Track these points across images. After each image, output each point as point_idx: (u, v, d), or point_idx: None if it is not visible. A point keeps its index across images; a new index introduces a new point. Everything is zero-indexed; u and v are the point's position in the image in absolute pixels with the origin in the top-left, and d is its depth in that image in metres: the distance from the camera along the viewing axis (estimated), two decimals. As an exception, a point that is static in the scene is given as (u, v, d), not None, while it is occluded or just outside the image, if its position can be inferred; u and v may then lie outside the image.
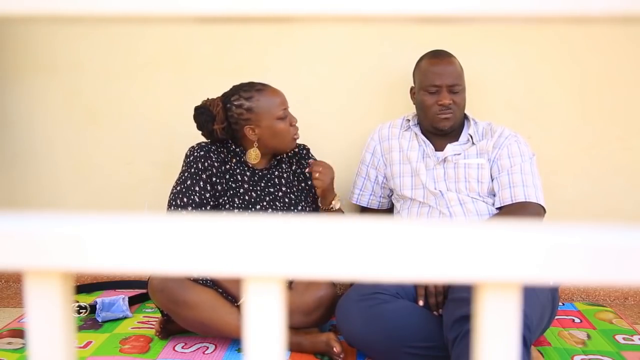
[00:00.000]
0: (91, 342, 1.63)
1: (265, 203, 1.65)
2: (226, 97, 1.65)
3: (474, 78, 1.98)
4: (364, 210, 1.89)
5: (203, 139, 1.71)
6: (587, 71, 1.97)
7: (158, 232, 0.34)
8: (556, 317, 1.81)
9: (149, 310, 1.89)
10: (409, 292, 1.53)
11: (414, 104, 1.74)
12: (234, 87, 1.67)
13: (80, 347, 1.59)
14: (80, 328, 1.73)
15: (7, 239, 0.34)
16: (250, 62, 2.02)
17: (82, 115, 2.13)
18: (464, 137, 1.69)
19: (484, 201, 1.62)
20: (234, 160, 1.67)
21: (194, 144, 1.68)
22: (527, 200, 1.57)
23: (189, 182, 1.61)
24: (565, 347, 1.59)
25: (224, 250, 0.34)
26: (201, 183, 1.61)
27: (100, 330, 1.72)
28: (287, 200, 1.69)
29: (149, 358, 1.53)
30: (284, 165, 1.74)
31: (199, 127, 1.66)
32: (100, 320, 1.79)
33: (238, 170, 1.67)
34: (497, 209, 1.63)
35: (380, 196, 1.84)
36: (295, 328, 1.57)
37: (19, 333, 1.71)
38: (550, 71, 1.98)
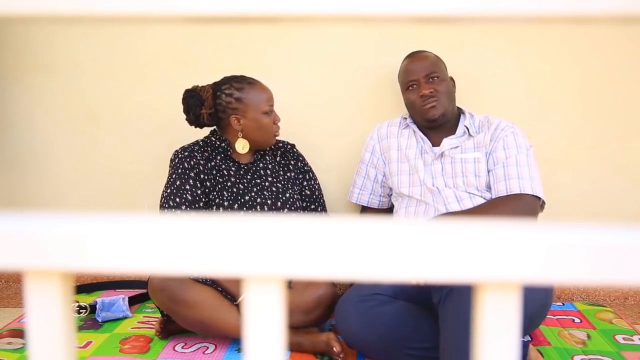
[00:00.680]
0: (91, 342, 1.63)
1: (253, 193, 1.68)
2: (217, 85, 1.71)
3: (473, 78, 1.98)
4: (364, 209, 1.90)
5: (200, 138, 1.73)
6: (587, 71, 1.97)
7: (158, 232, 0.34)
8: (556, 317, 1.82)
9: (149, 310, 1.89)
10: (408, 293, 1.53)
11: (406, 107, 1.78)
12: (226, 77, 1.73)
13: (80, 347, 1.59)
14: (80, 328, 1.73)
15: (7, 239, 0.34)
16: (250, 62, 2.03)
17: (82, 115, 2.13)
18: (460, 129, 1.69)
19: (481, 196, 1.62)
20: (219, 157, 1.72)
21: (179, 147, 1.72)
22: (522, 192, 1.56)
23: (178, 183, 1.63)
24: (565, 347, 1.59)
25: (224, 250, 0.34)
26: (191, 181, 1.64)
27: (100, 330, 1.72)
28: (274, 189, 1.72)
29: (149, 358, 1.53)
30: (268, 158, 1.79)
31: (186, 111, 1.72)
32: (100, 320, 1.79)
33: (224, 166, 1.71)
34: None
35: (381, 195, 1.84)
36: (295, 327, 1.57)
37: (19, 333, 1.71)
38: (550, 71, 1.98)
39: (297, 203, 1.74)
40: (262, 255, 0.34)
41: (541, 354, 1.53)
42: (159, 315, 1.68)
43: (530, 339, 1.64)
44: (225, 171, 1.70)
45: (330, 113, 2.06)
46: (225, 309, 1.53)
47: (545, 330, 1.70)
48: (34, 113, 2.15)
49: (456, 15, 0.34)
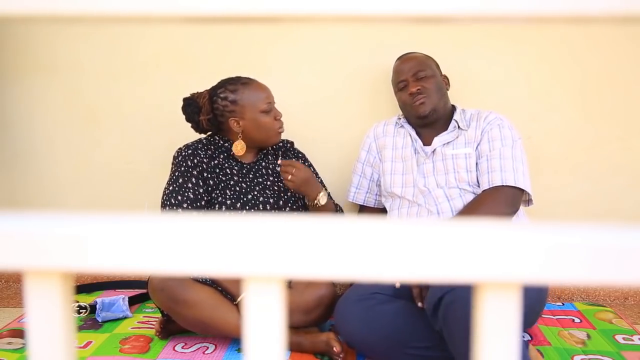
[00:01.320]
0: (91, 342, 1.63)
1: (255, 192, 1.68)
2: (213, 90, 1.71)
3: (473, 78, 1.98)
4: (361, 208, 1.90)
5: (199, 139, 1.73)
6: (587, 71, 1.97)
7: (158, 232, 0.34)
8: (556, 317, 1.82)
9: (149, 310, 1.89)
10: (407, 293, 1.53)
11: (399, 107, 1.80)
12: (221, 80, 1.73)
13: (80, 347, 1.59)
14: (80, 328, 1.73)
15: (7, 239, 0.34)
16: (250, 62, 2.03)
17: (82, 115, 2.13)
18: (451, 125, 1.69)
19: (472, 192, 1.61)
20: (222, 156, 1.72)
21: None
22: (504, 184, 1.54)
23: (180, 181, 1.63)
24: (565, 347, 1.59)
25: (224, 250, 0.34)
26: (193, 179, 1.64)
27: (100, 330, 1.72)
28: (276, 188, 1.72)
29: (149, 358, 1.53)
30: (270, 157, 1.80)
31: (187, 119, 1.73)
32: (100, 320, 1.79)
33: (227, 165, 1.71)
34: None
35: (377, 194, 1.85)
36: (295, 327, 1.57)
37: (19, 333, 1.71)
38: (550, 71, 1.98)
39: (299, 202, 1.74)
40: (262, 255, 0.34)
41: (541, 353, 1.53)
42: (159, 315, 1.68)
43: (530, 339, 1.64)
44: (228, 170, 1.70)
45: (328, 112, 2.06)
46: (225, 309, 1.53)
47: (545, 330, 1.70)
48: (34, 113, 2.15)
49: (456, 15, 0.34)
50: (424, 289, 1.47)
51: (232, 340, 1.62)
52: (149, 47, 2.08)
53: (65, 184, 2.17)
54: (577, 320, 1.80)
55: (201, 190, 1.64)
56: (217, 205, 1.64)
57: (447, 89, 1.77)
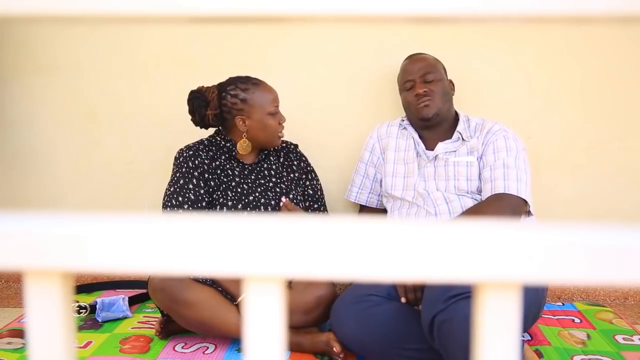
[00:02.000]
0: (91, 342, 1.63)
1: (257, 194, 1.68)
2: (222, 86, 1.71)
3: (473, 78, 1.98)
4: (362, 208, 1.90)
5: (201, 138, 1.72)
6: (587, 71, 1.97)
7: (158, 232, 0.34)
8: (556, 317, 1.82)
9: (149, 310, 1.89)
10: None
11: (403, 107, 1.79)
12: (231, 78, 1.72)
13: (80, 347, 1.59)
14: (80, 328, 1.73)
15: (7, 239, 0.34)
16: (250, 62, 2.03)
17: (82, 115, 2.13)
18: (455, 135, 1.69)
19: (471, 198, 1.62)
20: (223, 157, 1.72)
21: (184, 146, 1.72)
22: (506, 192, 1.55)
23: (182, 182, 1.63)
24: (565, 347, 1.59)
25: (224, 250, 0.34)
26: (194, 180, 1.64)
27: (100, 330, 1.72)
28: (278, 190, 1.72)
29: (149, 358, 1.53)
30: (272, 158, 1.79)
31: (191, 112, 1.71)
32: (100, 320, 1.79)
33: (228, 166, 1.71)
34: None
35: (379, 194, 1.85)
36: (295, 327, 1.57)
37: (19, 333, 1.71)
38: (550, 71, 1.98)
39: (300, 204, 1.74)
40: (262, 255, 0.34)
41: (541, 353, 1.53)
42: (159, 315, 1.68)
43: (530, 339, 1.64)
44: (229, 171, 1.70)
45: (330, 113, 2.06)
46: (225, 309, 1.53)
47: (545, 330, 1.70)
48: (34, 113, 2.14)
49: (456, 15, 0.34)
50: (417, 288, 1.48)
51: (232, 340, 1.62)
52: (149, 47, 2.08)
53: (65, 184, 2.17)
54: (577, 320, 1.80)
55: (202, 192, 1.63)
56: (218, 207, 1.64)
57: (452, 94, 1.76)
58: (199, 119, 1.70)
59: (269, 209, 1.67)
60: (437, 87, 1.69)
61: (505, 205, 1.54)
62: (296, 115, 1.97)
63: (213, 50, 2.05)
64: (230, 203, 1.64)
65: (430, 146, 1.71)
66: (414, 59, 1.76)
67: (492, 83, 2.00)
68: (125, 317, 1.82)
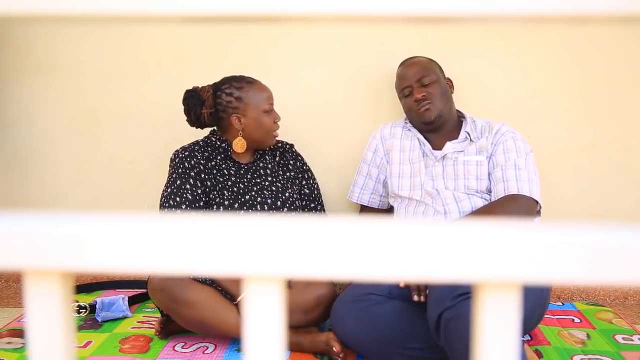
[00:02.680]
0: (91, 342, 1.63)
1: (254, 193, 1.69)
2: (217, 85, 1.72)
3: (473, 78, 1.98)
4: (363, 209, 1.90)
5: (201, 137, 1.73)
6: (587, 71, 1.97)
7: (158, 232, 0.34)
8: (556, 317, 1.82)
9: (149, 310, 1.89)
10: (402, 293, 1.53)
11: (405, 113, 1.80)
12: (225, 77, 1.74)
13: (80, 347, 1.59)
14: (80, 328, 1.73)
15: (7, 239, 0.34)
16: (251, 62, 2.02)
17: (82, 115, 2.13)
18: (462, 135, 1.70)
19: (481, 198, 1.62)
20: (219, 157, 1.72)
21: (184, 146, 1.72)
22: (520, 193, 1.56)
23: (179, 182, 1.64)
24: (565, 347, 1.59)
25: (224, 250, 0.34)
26: (191, 181, 1.64)
27: (100, 330, 1.72)
28: (274, 189, 1.72)
29: (149, 358, 1.53)
30: (267, 158, 1.80)
31: (187, 112, 1.72)
32: (100, 320, 1.79)
33: (224, 166, 1.72)
34: None
35: (382, 195, 1.85)
36: (295, 327, 1.57)
37: (19, 333, 1.71)
38: (550, 71, 1.98)
39: (297, 203, 1.75)
40: (262, 255, 0.34)
41: (541, 354, 1.53)
42: (159, 315, 1.68)
43: (530, 339, 1.64)
44: (225, 171, 1.71)
45: (330, 113, 2.05)
46: (225, 309, 1.53)
47: (545, 330, 1.70)
48: (34, 113, 2.14)
49: (456, 15, 0.34)
50: (421, 286, 1.48)
51: (232, 340, 1.62)
52: (149, 47, 2.08)
53: (65, 184, 2.17)
54: (577, 320, 1.80)
55: (199, 192, 1.64)
56: (215, 206, 1.65)
57: (452, 92, 1.77)
58: (195, 119, 1.71)
59: (266, 208, 1.67)
60: (435, 90, 1.69)
61: (519, 207, 1.55)
62: (296, 115, 1.97)
63: (213, 50, 2.05)
64: (227, 203, 1.65)
65: (437, 146, 1.71)
66: (408, 65, 1.76)
67: (492, 83, 2.00)
68: (125, 317, 1.82)
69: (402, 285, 1.52)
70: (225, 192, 1.67)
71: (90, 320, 1.80)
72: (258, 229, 0.34)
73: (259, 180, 1.73)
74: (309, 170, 1.85)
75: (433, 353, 1.40)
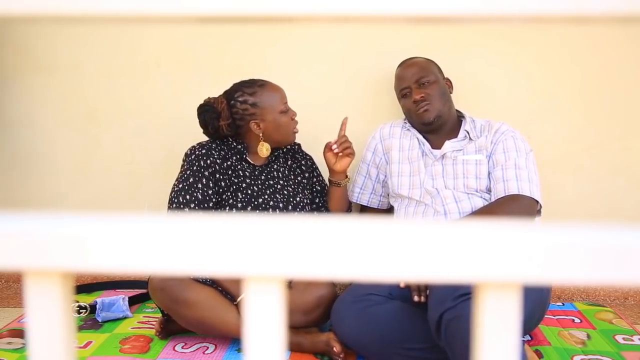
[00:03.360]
0: (91, 342, 1.63)
1: (266, 196, 1.68)
2: (229, 94, 1.70)
3: (473, 78, 1.98)
4: (363, 209, 1.90)
5: (201, 138, 1.73)
6: (587, 71, 1.97)
7: (158, 232, 0.34)
8: (556, 317, 1.82)
9: (149, 310, 1.89)
10: (403, 294, 1.53)
11: (404, 113, 1.80)
12: (235, 84, 1.71)
13: (80, 347, 1.59)
14: (80, 328, 1.73)
15: (7, 239, 0.34)
16: (251, 62, 2.03)
17: (82, 115, 2.13)
18: (461, 134, 1.70)
19: (481, 197, 1.62)
20: (235, 157, 1.71)
21: (193, 143, 1.70)
22: (520, 193, 1.56)
23: (191, 180, 1.61)
24: (565, 347, 1.59)
25: (224, 250, 0.34)
26: (204, 180, 1.62)
27: (100, 330, 1.72)
28: (285, 192, 1.72)
29: (149, 358, 1.53)
30: (280, 160, 1.80)
31: (203, 125, 1.69)
32: (100, 320, 1.79)
33: (239, 167, 1.70)
34: None
35: (381, 195, 1.85)
36: (295, 327, 1.57)
37: (19, 333, 1.71)
38: (550, 71, 1.98)
39: (307, 207, 1.75)
40: (262, 255, 0.34)
41: (541, 353, 1.53)
42: (159, 315, 1.68)
43: (530, 339, 1.64)
44: (240, 172, 1.69)
45: (330, 113, 2.05)
46: (225, 309, 1.53)
47: (545, 330, 1.70)
48: (34, 113, 2.14)
49: (456, 15, 0.34)
50: (422, 286, 1.48)
51: (232, 340, 1.62)
52: (150, 47, 2.08)
53: (65, 184, 2.17)
54: (577, 320, 1.80)
55: (210, 192, 1.62)
56: (227, 208, 1.63)
57: (451, 92, 1.77)
58: (213, 132, 1.68)
59: (277, 212, 1.67)
60: (433, 90, 1.69)
61: (519, 206, 1.55)
62: (296, 114, 1.96)
63: (213, 50, 2.05)
64: (239, 205, 1.64)
65: (436, 145, 1.71)
66: (406, 66, 1.76)
67: (492, 83, 2.00)
68: (125, 317, 1.82)
69: (402, 285, 1.52)
70: (239, 194, 1.65)
71: (90, 320, 1.80)
72: (258, 228, 0.34)
73: (271, 182, 1.72)
74: (318, 167, 1.86)
75: (433, 353, 1.40)
